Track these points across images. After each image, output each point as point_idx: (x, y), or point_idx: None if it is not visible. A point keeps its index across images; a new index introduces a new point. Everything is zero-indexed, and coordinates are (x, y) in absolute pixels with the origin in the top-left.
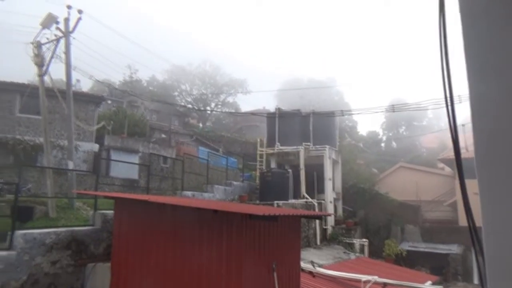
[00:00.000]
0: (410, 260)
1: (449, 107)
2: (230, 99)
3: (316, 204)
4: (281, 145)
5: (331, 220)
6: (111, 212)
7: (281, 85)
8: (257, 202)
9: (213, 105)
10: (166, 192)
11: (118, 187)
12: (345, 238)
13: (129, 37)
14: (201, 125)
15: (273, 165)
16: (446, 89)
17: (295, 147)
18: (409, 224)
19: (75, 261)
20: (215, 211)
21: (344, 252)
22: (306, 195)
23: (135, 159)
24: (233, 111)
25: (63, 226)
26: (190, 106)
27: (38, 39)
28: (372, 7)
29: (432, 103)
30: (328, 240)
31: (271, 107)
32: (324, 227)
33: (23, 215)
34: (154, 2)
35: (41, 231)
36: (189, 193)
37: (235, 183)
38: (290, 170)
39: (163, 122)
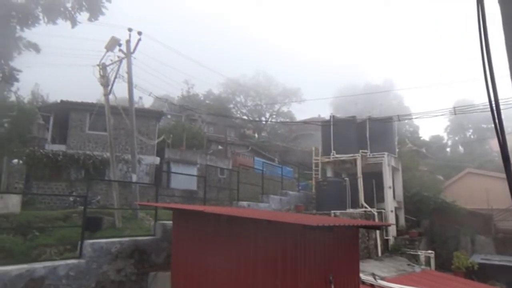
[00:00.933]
0: (483, 274)
1: (495, 111)
2: (284, 109)
3: (375, 214)
4: (336, 153)
5: (392, 230)
6: (170, 222)
7: (337, 92)
8: (314, 211)
9: (267, 115)
10: (223, 203)
11: (178, 198)
12: (408, 250)
13: (187, 53)
14: (256, 135)
15: (329, 173)
16: (490, 89)
17: (351, 155)
18: (480, 235)
19: (138, 270)
20: (269, 221)
21: (408, 265)
22: (365, 204)
23: (194, 170)
24: (287, 120)
25: (126, 236)
26: (245, 117)
27: (103, 61)
28: (428, 5)
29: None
30: (390, 251)
31: (326, 115)
32: (386, 237)
33: (92, 225)
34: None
35: (107, 240)
36: (244, 203)
37: (291, 192)
38: (347, 179)
39: (220, 134)
